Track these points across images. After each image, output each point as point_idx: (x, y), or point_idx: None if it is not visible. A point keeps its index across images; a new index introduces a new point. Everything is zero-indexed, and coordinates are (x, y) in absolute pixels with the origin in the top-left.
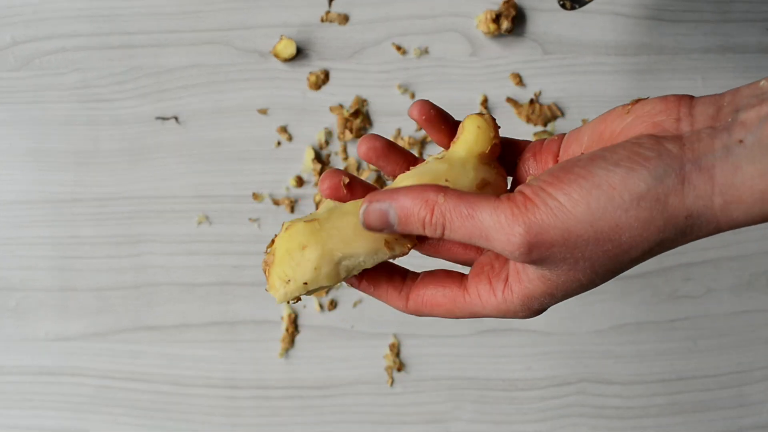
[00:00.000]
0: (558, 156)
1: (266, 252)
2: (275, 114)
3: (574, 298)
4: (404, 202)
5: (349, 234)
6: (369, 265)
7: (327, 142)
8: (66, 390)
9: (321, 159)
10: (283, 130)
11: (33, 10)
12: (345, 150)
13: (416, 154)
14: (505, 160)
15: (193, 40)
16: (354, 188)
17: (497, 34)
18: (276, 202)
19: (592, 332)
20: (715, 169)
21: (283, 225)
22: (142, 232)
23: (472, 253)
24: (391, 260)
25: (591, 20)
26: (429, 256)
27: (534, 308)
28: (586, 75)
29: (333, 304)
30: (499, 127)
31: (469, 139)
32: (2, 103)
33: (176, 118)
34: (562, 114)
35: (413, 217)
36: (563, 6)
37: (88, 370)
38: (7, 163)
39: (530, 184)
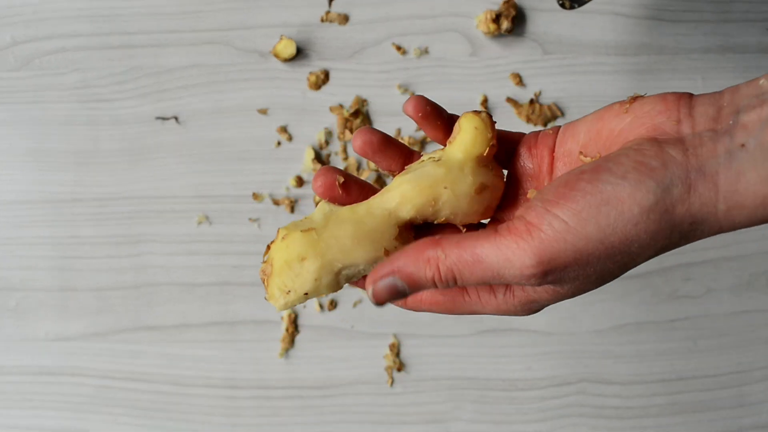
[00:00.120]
0: (554, 151)
1: (263, 261)
2: (275, 114)
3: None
4: (407, 269)
5: (348, 243)
6: (369, 272)
7: (327, 142)
8: (66, 390)
9: (321, 159)
10: (283, 130)
11: (33, 10)
12: (345, 150)
13: (419, 153)
14: (499, 153)
15: (193, 40)
16: (349, 187)
17: (497, 34)
18: (276, 202)
19: (592, 332)
20: (719, 175)
21: (278, 232)
22: (142, 232)
23: None
24: None
25: (591, 20)
26: None
27: (534, 309)
28: (586, 75)
29: (333, 304)
30: (495, 122)
31: (467, 141)
32: (2, 103)
33: (176, 118)
34: (562, 114)
35: (422, 280)
36: (562, 5)
37: (88, 370)
38: (7, 163)
39: (534, 206)
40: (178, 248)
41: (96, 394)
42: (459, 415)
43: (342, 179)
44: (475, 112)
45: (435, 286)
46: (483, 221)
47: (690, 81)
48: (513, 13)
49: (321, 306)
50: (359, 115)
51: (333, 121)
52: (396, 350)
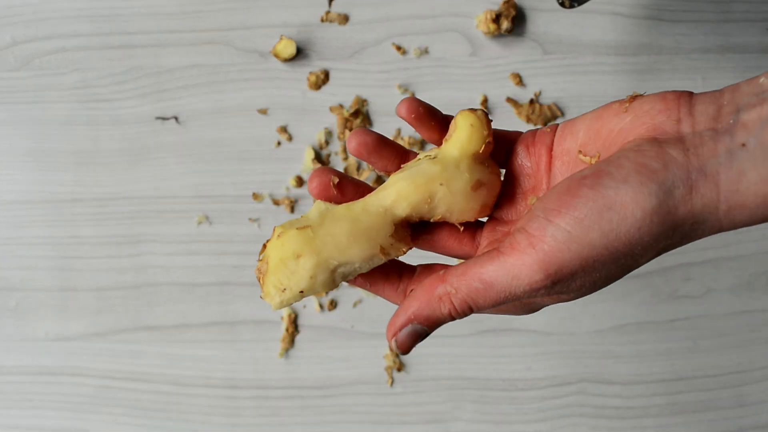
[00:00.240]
0: (552, 149)
1: (259, 259)
2: (275, 114)
3: None
4: (423, 313)
5: (344, 241)
6: (365, 270)
7: (327, 142)
8: (66, 390)
9: (321, 159)
10: (283, 130)
11: (33, 10)
12: (345, 150)
13: (416, 152)
14: (496, 152)
15: (193, 40)
16: (344, 188)
17: (497, 34)
18: (276, 202)
19: (592, 332)
20: (720, 175)
21: (274, 231)
22: (142, 232)
23: (468, 247)
24: None
25: (591, 20)
26: (424, 250)
27: (534, 310)
28: (586, 75)
29: (333, 304)
30: (492, 121)
31: (462, 138)
32: (2, 103)
33: (176, 118)
34: (562, 114)
35: (440, 318)
36: (562, 4)
37: (88, 370)
38: (7, 163)
39: (535, 217)
40: (178, 248)
41: (96, 394)
42: (459, 415)
43: (337, 180)
44: (471, 109)
45: (453, 319)
46: (481, 219)
47: (690, 81)
48: (513, 13)
49: (321, 306)
50: (359, 115)
51: (333, 121)
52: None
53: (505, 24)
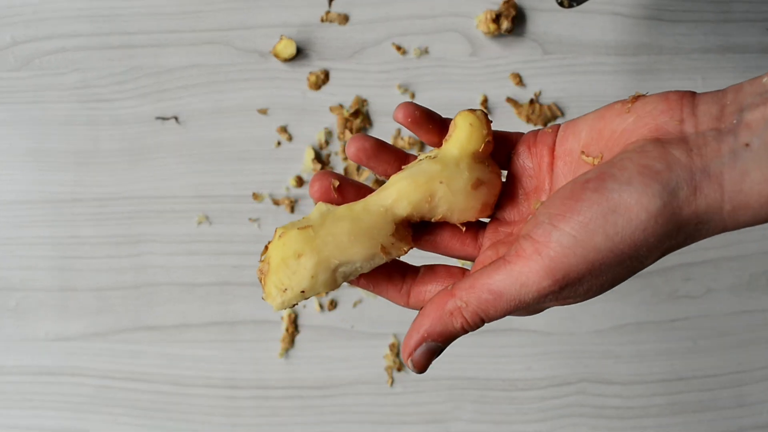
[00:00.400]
0: (554, 149)
1: (261, 260)
2: (275, 114)
3: None
4: (436, 330)
5: (345, 240)
6: (366, 270)
7: (327, 142)
8: (66, 390)
9: (321, 159)
10: (283, 130)
11: (33, 10)
12: (345, 150)
13: (416, 154)
14: (497, 153)
15: (193, 40)
16: (345, 190)
17: (497, 34)
18: (276, 202)
19: (592, 332)
20: (724, 176)
21: (276, 231)
22: (142, 232)
23: (470, 248)
24: None
25: (591, 20)
26: (427, 251)
27: (537, 311)
28: (586, 75)
29: (333, 304)
30: (492, 122)
31: (462, 138)
32: (2, 103)
33: (176, 118)
34: (562, 114)
35: (453, 333)
36: (561, 4)
37: (88, 370)
38: (7, 163)
39: (540, 222)
40: (178, 248)
41: (96, 394)
42: (459, 415)
43: (337, 183)
44: (471, 110)
45: (466, 332)
46: (483, 220)
47: (690, 81)
48: (513, 13)
49: (321, 306)
50: (359, 115)
51: (333, 121)
52: (396, 350)
53: (505, 24)
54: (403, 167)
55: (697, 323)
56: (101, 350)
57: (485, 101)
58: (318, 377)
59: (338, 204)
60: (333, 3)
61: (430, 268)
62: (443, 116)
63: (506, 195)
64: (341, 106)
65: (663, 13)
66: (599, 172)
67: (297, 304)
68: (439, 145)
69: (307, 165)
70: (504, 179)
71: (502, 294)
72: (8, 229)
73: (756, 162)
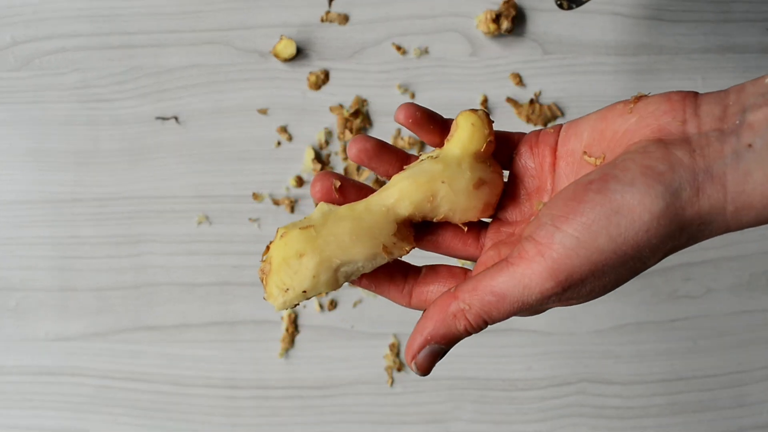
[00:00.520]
0: (556, 150)
1: (262, 260)
2: (275, 114)
3: None
4: (439, 332)
5: (346, 240)
6: (368, 270)
7: (327, 142)
8: (66, 390)
9: (321, 159)
10: (283, 130)
11: (33, 10)
12: (345, 150)
13: (416, 154)
14: (499, 153)
15: (193, 40)
16: (346, 190)
17: (497, 34)
18: (276, 202)
19: (592, 332)
20: (727, 176)
21: (277, 231)
22: (142, 232)
23: (472, 248)
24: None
25: (591, 20)
26: (429, 251)
27: (539, 311)
28: (586, 75)
29: (333, 304)
30: (493, 122)
31: (464, 138)
32: (2, 103)
33: (176, 118)
34: (562, 114)
35: (456, 335)
36: (560, 6)
37: (88, 370)
38: (7, 163)
39: (542, 224)
40: (178, 248)
41: (96, 394)
42: (459, 415)
43: (338, 183)
44: (473, 110)
45: (469, 334)
46: (485, 220)
47: (690, 81)
48: (513, 13)
49: (321, 306)
50: (359, 115)
51: (333, 121)
52: (396, 350)
53: (505, 24)
54: (405, 167)
55: (697, 323)
56: (101, 350)
57: (485, 101)
58: (318, 377)
59: (339, 204)
60: (333, 3)
61: (432, 269)
62: (444, 116)
63: (508, 195)
64: (341, 106)
65: (663, 13)
66: (602, 173)
67: (298, 304)
68: (440, 145)
69: (307, 165)
70: (505, 179)
71: (505, 296)
72: (8, 229)
73: (759, 163)
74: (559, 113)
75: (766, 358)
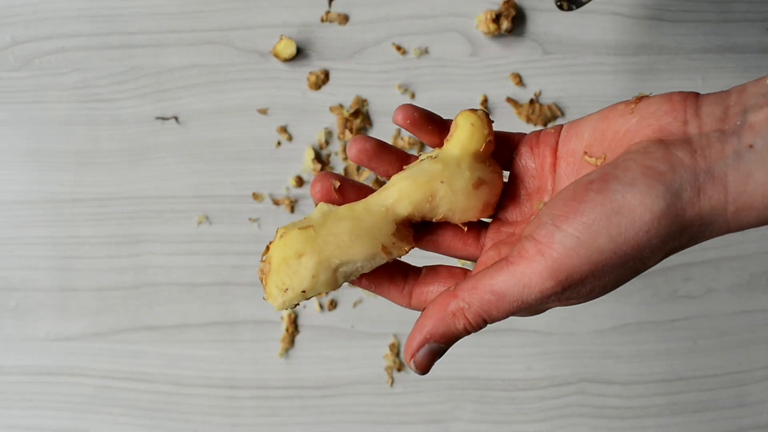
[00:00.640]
0: (556, 150)
1: (262, 260)
2: (275, 114)
3: None
4: (438, 331)
5: (346, 240)
6: (367, 270)
7: (327, 142)
8: (66, 390)
9: (321, 159)
10: (283, 130)
11: (33, 10)
12: (345, 150)
13: (416, 154)
14: (499, 154)
15: (193, 40)
16: (346, 191)
17: (497, 34)
18: (276, 202)
19: (592, 332)
20: (728, 177)
21: (277, 232)
22: (142, 232)
23: (472, 248)
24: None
25: (591, 20)
26: (429, 251)
27: (539, 311)
28: (586, 75)
29: (333, 304)
30: (493, 122)
31: (463, 137)
32: (2, 103)
33: (176, 118)
34: (562, 114)
35: (455, 334)
36: (560, 7)
37: (88, 370)
38: (7, 163)
39: (543, 223)
40: (178, 248)
41: (96, 394)
42: (459, 415)
43: (338, 184)
44: (472, 109)
45: (469, 333)
46: (485, 220)
47: (690, 81)
48: (513, 13)
49: (321, 306)
50: (359, 115)
51: (333, 121)
52: (396, 350)
53: (505, 24)
54: (404, 167)
55: (697, 323)
56: (101, 350)
57: (485, 101)
58: (318, 377)
59: (339, 204)
60: (333, 3)
61: (432, 269)
62: (443, 117)
63: (508, 195)
64: (341, 106)
65: (663, 13)
66: (602, 173)
67: (298, 304)
68: (439, 145)
69: (307, 165)
70: (505, 180)
71: (505, 295)
72: (8, 229)
73: (760, 163)
74: (559, 113)
75: (766, 358)
